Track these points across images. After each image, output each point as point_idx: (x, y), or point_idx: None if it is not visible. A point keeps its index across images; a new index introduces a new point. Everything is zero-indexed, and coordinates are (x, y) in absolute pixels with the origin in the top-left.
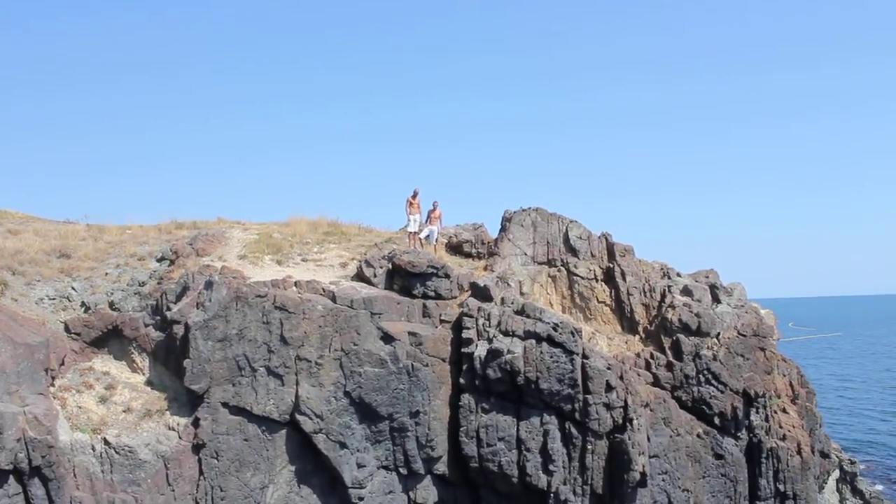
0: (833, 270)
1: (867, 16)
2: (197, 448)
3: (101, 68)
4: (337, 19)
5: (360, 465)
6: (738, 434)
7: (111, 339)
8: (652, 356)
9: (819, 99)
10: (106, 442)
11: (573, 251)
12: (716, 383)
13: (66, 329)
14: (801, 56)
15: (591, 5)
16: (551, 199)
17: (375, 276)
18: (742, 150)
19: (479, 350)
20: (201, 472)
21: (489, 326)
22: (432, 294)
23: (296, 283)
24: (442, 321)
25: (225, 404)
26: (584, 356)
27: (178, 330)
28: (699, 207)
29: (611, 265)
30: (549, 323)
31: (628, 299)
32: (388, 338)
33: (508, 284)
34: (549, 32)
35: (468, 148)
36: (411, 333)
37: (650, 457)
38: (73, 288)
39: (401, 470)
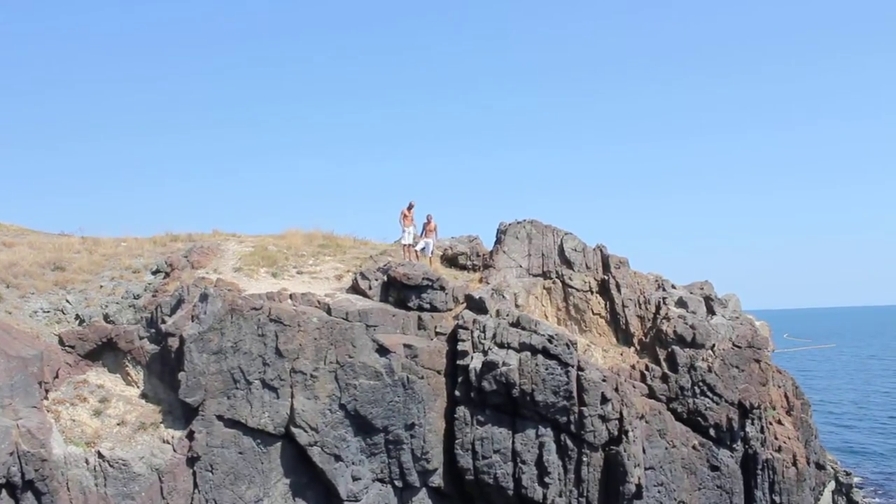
0: (828, 282)
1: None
2: (191, 461)
3: (95, 71)
4: (333, 20)
5: (355, 478)
6: (734, 446)
7: (106, 351)
8: (647, 368)
9: (816, 101)
10: (100, 455)
11: (568, 263)
12: (711, 395)
13: (61, 342)
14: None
15: (588, 4)
16: (546, 205)
17: (371, 288)
18: (736, 155)
19: (475, 362)
20: (196, 486)
21: (484, 339)
22: (427, 306)
23: (291, 296)
24: (437, 333)
25: (220, 417)
26: (580, 368)
27: (173, 342)
28: (696, 215)
29: (606, 277)
30: (544, 335)
31: (623, 311)
32: (383, 350)
33: (503, 297)
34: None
35: (465, 153)
36: (406, 346)
37: (646, 469)
38: (67, 301)
39: (396, 483)
